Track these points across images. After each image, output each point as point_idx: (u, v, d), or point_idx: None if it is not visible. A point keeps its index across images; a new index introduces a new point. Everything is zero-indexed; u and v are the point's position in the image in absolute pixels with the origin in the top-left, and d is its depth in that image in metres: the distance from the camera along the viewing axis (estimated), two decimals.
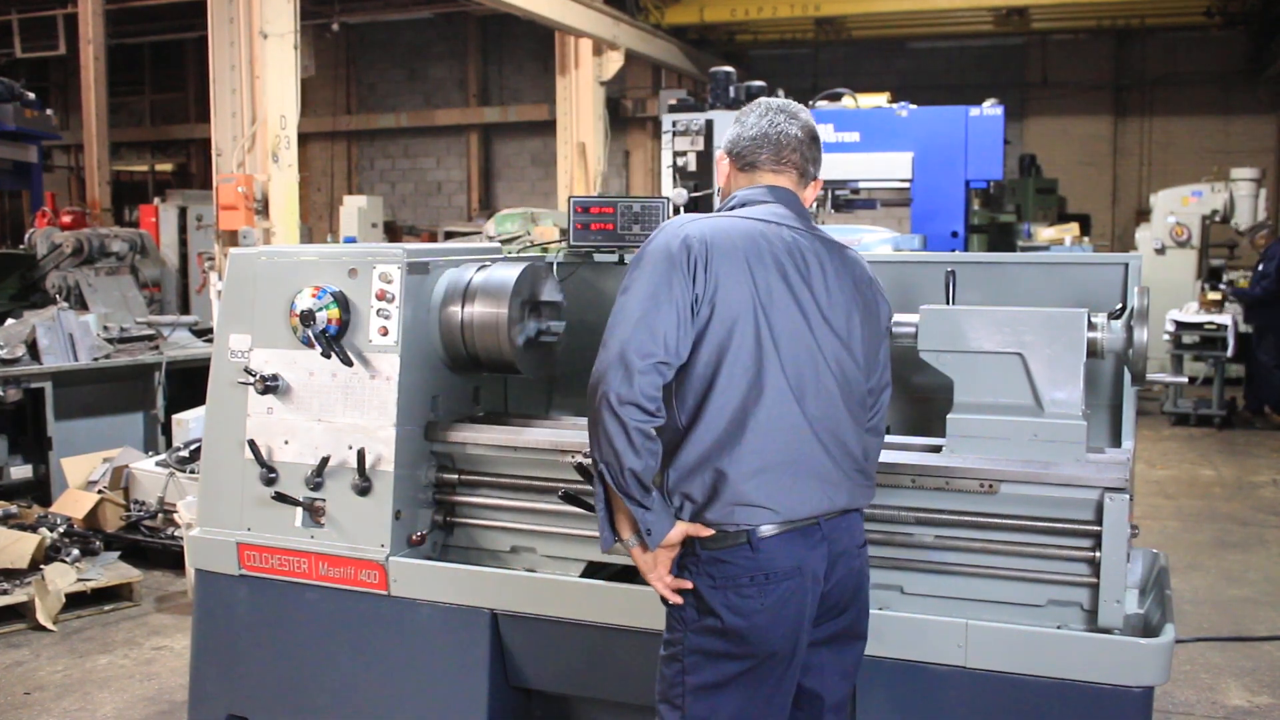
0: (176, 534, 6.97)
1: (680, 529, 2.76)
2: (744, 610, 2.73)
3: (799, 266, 2.84)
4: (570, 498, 3.58)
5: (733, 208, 2.97)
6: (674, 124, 5.69)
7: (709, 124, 5.30)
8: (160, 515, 7.19)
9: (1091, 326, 3.42)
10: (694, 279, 2.71)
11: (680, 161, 5.25)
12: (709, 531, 2.75)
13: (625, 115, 20.20)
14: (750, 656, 2.75)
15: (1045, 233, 14.36)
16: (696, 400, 2.74)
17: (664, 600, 2.84)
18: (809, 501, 2.79)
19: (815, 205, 7.89)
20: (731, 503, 2.74)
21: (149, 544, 7.19)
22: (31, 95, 14.35)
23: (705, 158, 5.25)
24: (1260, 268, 12.37)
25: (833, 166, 8.19)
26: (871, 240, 6.53)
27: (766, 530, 2.74)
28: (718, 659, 2.76)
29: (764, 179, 3.00)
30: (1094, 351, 3.43)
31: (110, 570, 6.61)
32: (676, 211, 4.16)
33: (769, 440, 2.74)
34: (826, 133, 8.60)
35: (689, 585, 2.78)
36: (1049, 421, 3.29)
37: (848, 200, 7.86)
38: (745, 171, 3.03)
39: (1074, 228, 14.58)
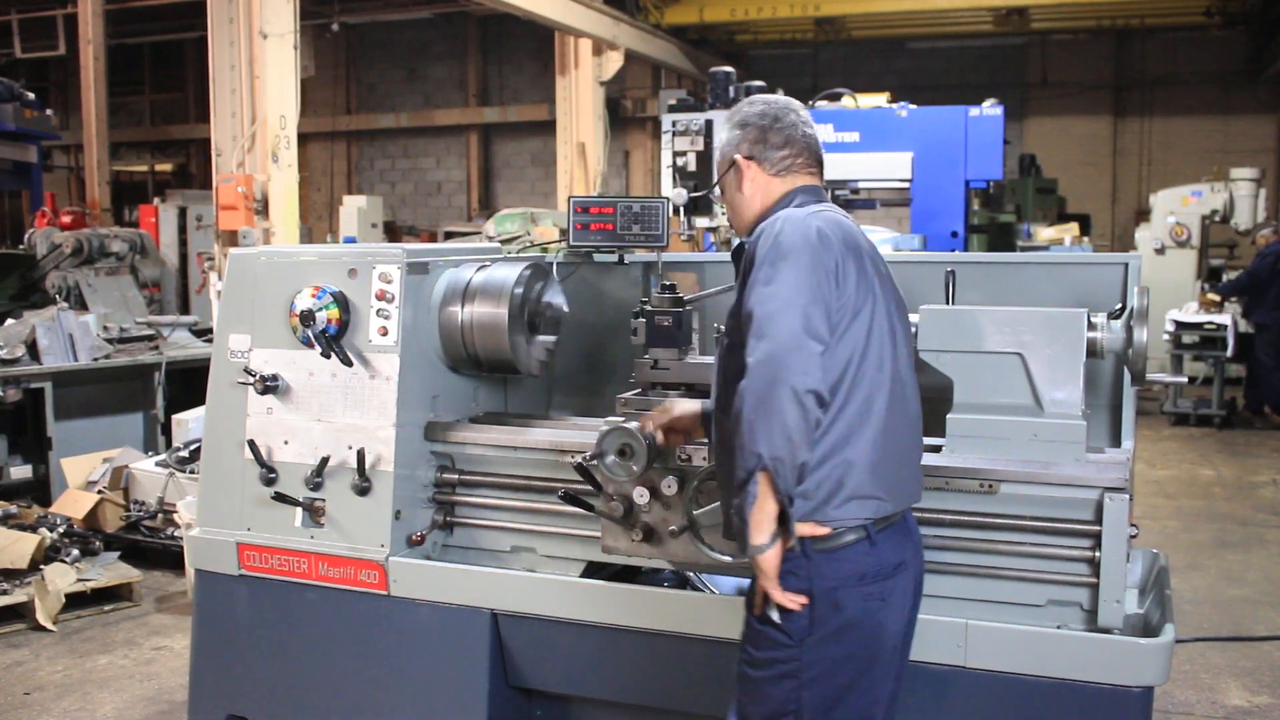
0: (176, 534, 6.97)
1: (801, 529, 2.69)
2: (867, 610, 2.70)
3: (884, 265, 2.93)
4: (570, 498, 3.57)
5: (798, 202, 2.97)
6: (674, 124, 5.66)
7: (709, 124, 5.28)
8: (160, 515, 7.19)
9: (1091, 326, 3.41)
10: (834, 272, 2.71)
11: (680, 161, 5.23)
12: (826, 530, 2.70)
13: (625, 115, 20.18)
14: (873, 659, 2.72)
15: (1045, 233, 14.36)
16: (831, 392, 2.69)
17: (759, 619, 2.75)
18: (910, 493, 2.85)
19: None
20: (851, 496, 2.71)
21: (149, 544, 7.20)
22: (31, 95, 14.36)
23: (705, 158, 5.24)
24: (1252, 264, 12.46)
25: (833, 166, 8.14)
26: (871, 240, 6.52)
27: (881, 524, 2.74)
28: (840, 666, 2.70)
29: (801, 180, 3.02)
30: (1094, 351, 3.42)
31: (110, 570, 6.61)
32: (676, 212, 4.15)
33: (887, 433, 2.75)
34: (826, 133, 8.62)
35: (803, 598, 2.69)
36: (1049, 421, 3.29)
37: (847, 200, 7.86)
38: (780, 176, 3.02)
39: (1074, 228, 14.58)
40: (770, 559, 2.64)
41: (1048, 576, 3.28)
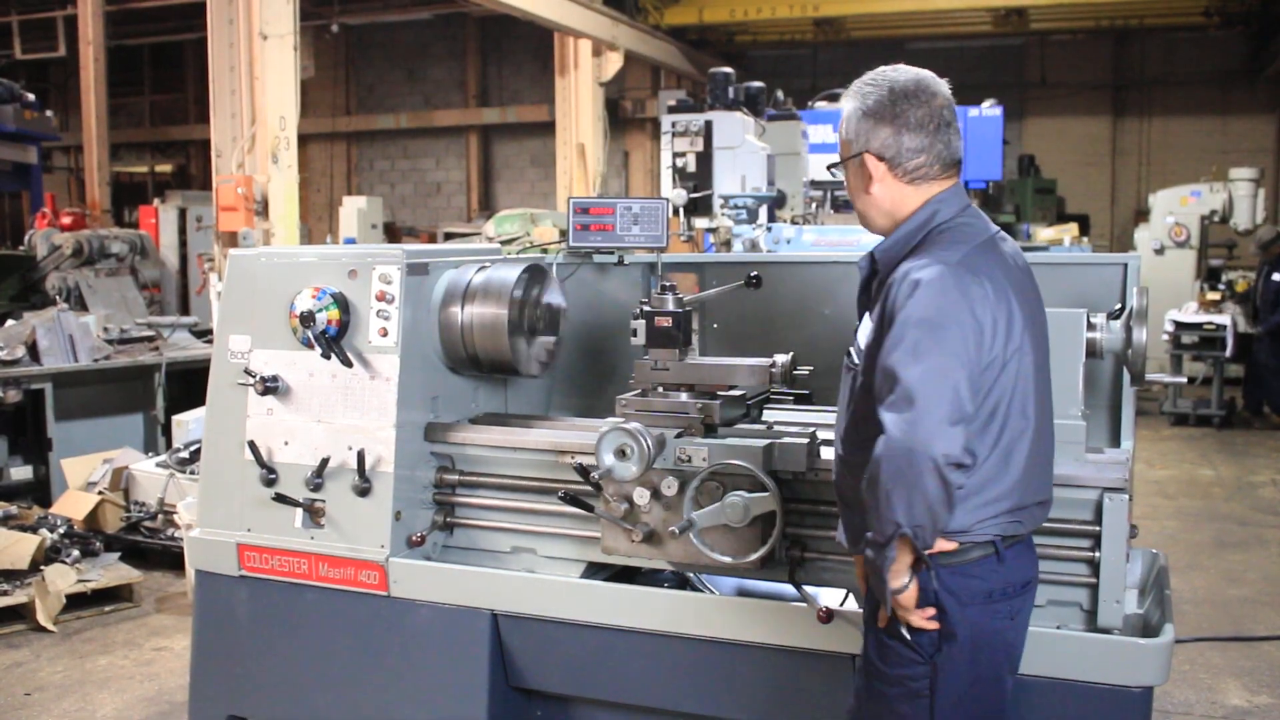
0: (176, 535, 6.97)
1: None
2: (996, 628, 2.67)
3: (1027, 278, 2.81)
4: (571, 499, 3.57)
5: (939, 223, 2.75)
6: (673, 125, 5.67)
7: (708, 125, 5.30)
8: (160, 516, 7.19)
9: (1090, 326, 3.41)
10: (987, 335, 2.58)
11: (679, 162, 5.24)
12: (953, 545, 2.64)
13: (624, 116, 20.20)
14: (999, 676, 2.69)
15: (1044, 233, 14.35)
16: (971, 440, 2.57)
17: (887, 633, 2.71)
18: (1039, 517, 2.79)
19: (814, 205, 7.89)
20: (981, 518, 2.67)
21: (149, 545, 7.20)
22: (31, 96, 14.35)
23: (705, 158, 5.25)
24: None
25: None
26: (870, 241, 6.50)
27: (1010, 541, 2.69)
28: (969, 682, 2.67)
29: (939, 188, 2.79)
30: (1093, 351, 3.42)
31: (110, 571, 6.61)
32: (676, 213, 4.14)
33: (1027, 473, 2.70)
34: (825, 133, 8.59)
35: (933, 611, 2.65)
36: None
37: (847, 200, 7.87)
38: (915, 185, 2.78)
39: (1073, 228, 14.57)
40: (908, 596, 2.63)
41: (1047, 576, 3.23)
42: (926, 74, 2.78)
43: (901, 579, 2.60)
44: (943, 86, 2.77)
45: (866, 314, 2.81)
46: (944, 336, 2.51)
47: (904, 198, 2.78)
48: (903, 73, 2.77)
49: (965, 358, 2.52)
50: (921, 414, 2.46)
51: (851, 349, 2.82)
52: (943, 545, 2.62)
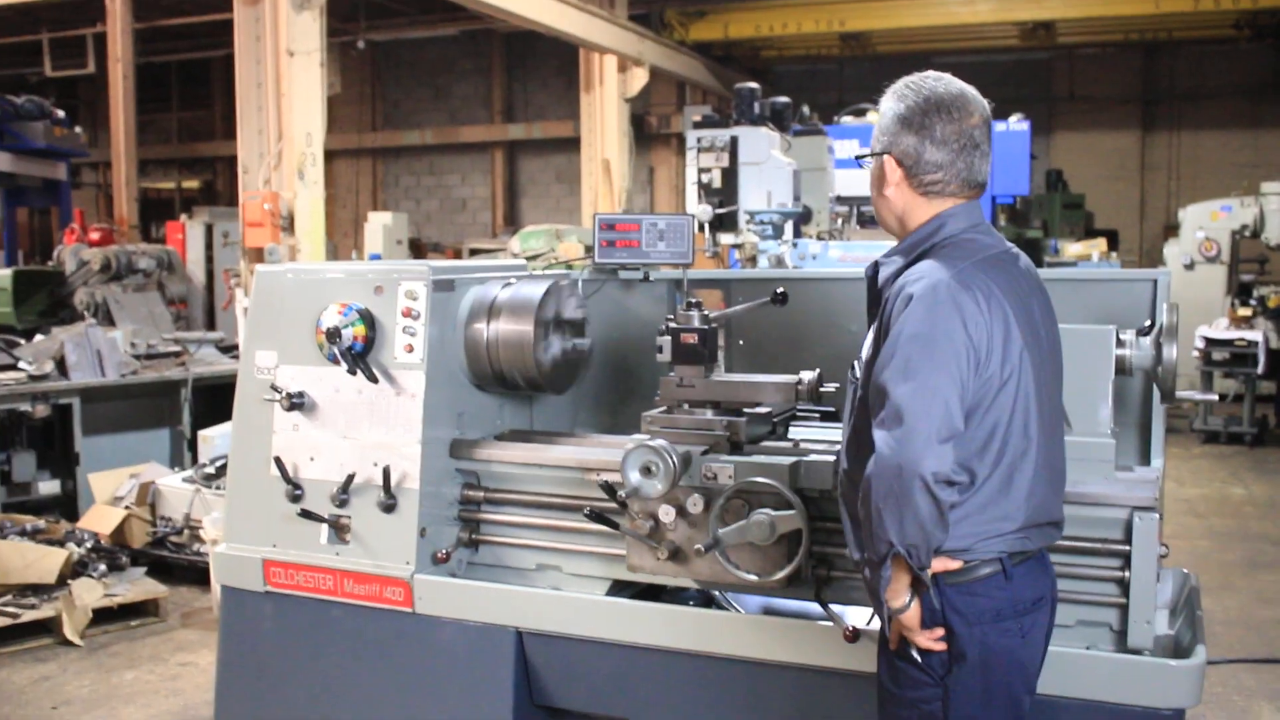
0: (202, 550, 6.98)
1: (933, 565, 2.60)
2: (1006, 646, 2.63)
3: (1036, 295, 2.78)
4: (596, 516, 3.56)
5: (945, 237, 2.73)
6: (699, 140, 5.65)
7: (734, 140, 5.29)
8: (186, 531, 7.21)
9: (1120, 343, 3.39)
10: (980, 353, 2.55)
11: (705, 178, 5.24)
12: (957, 564, 2.62)
13: (650, 131, 20.20)
14: (1013, 695, 2.66)
15: (1072, 248, 14.29)
16: (972, 464, 2.59)
17: (899, 655, 2.70)
18: (1049, 534, 2.74)
19: (840, 221, 7.87)
20: (986, 536, 2.63)
21: (175, 560, 7.22)
22: (61, 113, 14.48)
23: (730, 174, 5.25)
24: None
25: (857, 182, 8.12)
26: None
27: (1018, 558, 2.65)
28: (982, 702, 2.64)
29: (950, 203, 2.76)
30: (1122, 369, 3.40)
31: (136, 586, 6.63)
32: (701, 229, 4.14)
33: (1031, 494, 2.65)
34: (851, 148, 8.57)
35: (941, 631, 2.63)
36: (1077, 439, 3.22)
37: (873, 217, 7.87)
38: (928, 197, 2.76)
39: (1101, 243, 14.51)
40: (911, 616, 2.62)
41: (1076, 596, 3.23)
42: (971, 92, 2.76)
43: (901, 599, 2.60)
44: (982, 107, 2.75)
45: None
46: (934, 352, 2.51)
47: (915, 207, 2.78)
48: (945, 84, 2.75)
49: (956, 374, 2.50)
50: (910, 431, 2.45)
51: (855, 361, 2.82)
52: (946, 564, 2.61)
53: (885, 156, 2.78)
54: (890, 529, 2.48)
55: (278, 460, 3.89)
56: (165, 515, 7.36)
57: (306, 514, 3.86)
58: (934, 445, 2.45)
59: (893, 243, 2.87)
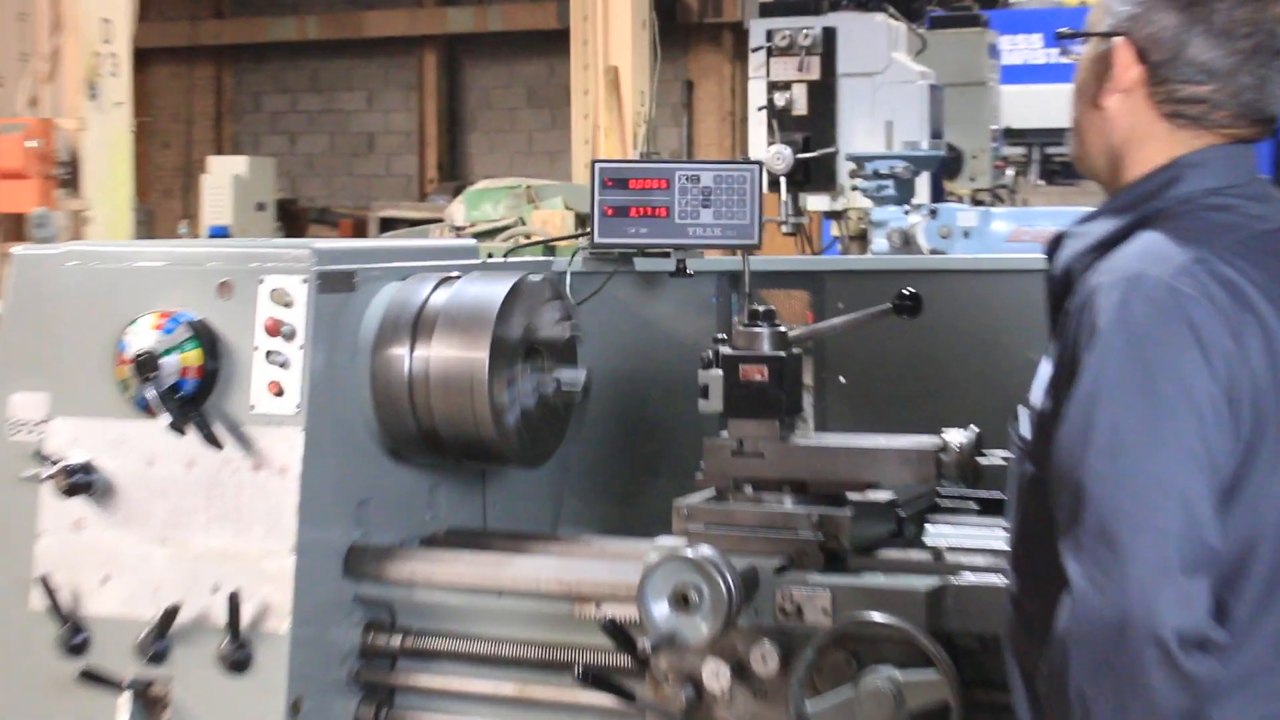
0: None
1: None
2: None
3: None
4: (595, 679, 2.76)
5: (1184, 195, 2.01)
6: (770, 35, 4.88)
7: (829, 34, 4.28)
8: None
9: None
10: (1230, 387, 1.88)
11: (781, 100, 4.34)
12: None
13: (686, 20, 15.23)
14: None
15: None
16: (1231, 588, 1.97)
17: None
18: None
19: (1012, 172, 6.73)
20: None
21: None
22: None
23: (824, 92, 4.26)
24: None
25: (1041, 105, 6.78)
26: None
27: None
28: None
29: (1209, 140, 2.04)
30: None
31: None
32: (775, 186, 3.24)
33: None
34: (1030, 49, 7.35)
35: None
36: None
37: (1066, 163, 6.82)
38: (1175, 123, 2.04)
39: None
40: None
41: None
42: None
43: None
44: None
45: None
46: (1158, 412, 1.87)
47: (1148, 136, 2.06)
48: None
49: (1200, 447, 1.85)
50: (1130, 560, 1.83)
51: (1021, 406, 2.21)
52: None
53: (1118, 40, 2.05)
54: None
55: (44, 583, 2.92)
56: None
57: (92, 676, 2.86)
58: (1174, 581, 1.81)
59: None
